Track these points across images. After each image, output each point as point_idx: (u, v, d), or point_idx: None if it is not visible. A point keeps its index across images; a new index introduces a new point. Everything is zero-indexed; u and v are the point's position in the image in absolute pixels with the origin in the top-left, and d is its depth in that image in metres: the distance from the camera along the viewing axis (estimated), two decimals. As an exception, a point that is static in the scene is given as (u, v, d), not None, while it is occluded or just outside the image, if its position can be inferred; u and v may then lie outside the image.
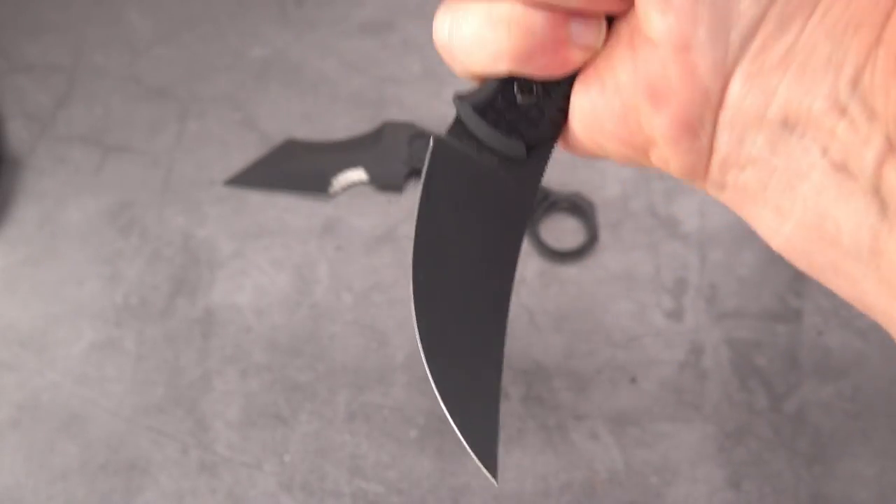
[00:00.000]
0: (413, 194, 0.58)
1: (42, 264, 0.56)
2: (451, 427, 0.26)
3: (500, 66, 0.24)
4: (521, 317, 0.54)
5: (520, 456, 0.51)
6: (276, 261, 0.56)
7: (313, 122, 0.61)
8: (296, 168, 0.59)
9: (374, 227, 0.57)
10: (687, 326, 0.54)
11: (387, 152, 0.58)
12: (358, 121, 0.61)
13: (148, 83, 0.62)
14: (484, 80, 0.26)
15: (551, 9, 0.23)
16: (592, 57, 0.24)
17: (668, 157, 0.23)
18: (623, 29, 0.23)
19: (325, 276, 0.56)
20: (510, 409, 0.52)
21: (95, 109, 0.61)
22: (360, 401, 0.52)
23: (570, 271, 0.56)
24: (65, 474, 0.50)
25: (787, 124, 0.20)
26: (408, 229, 0.57)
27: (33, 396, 0.52)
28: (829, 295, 0.54)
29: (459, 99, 0.26)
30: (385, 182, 0.58)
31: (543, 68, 0.24)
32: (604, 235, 0.56)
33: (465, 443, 0.26)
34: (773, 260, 0.55)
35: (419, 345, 0.26)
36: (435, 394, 0.25)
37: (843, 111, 0.19)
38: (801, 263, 0.22)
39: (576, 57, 0.23)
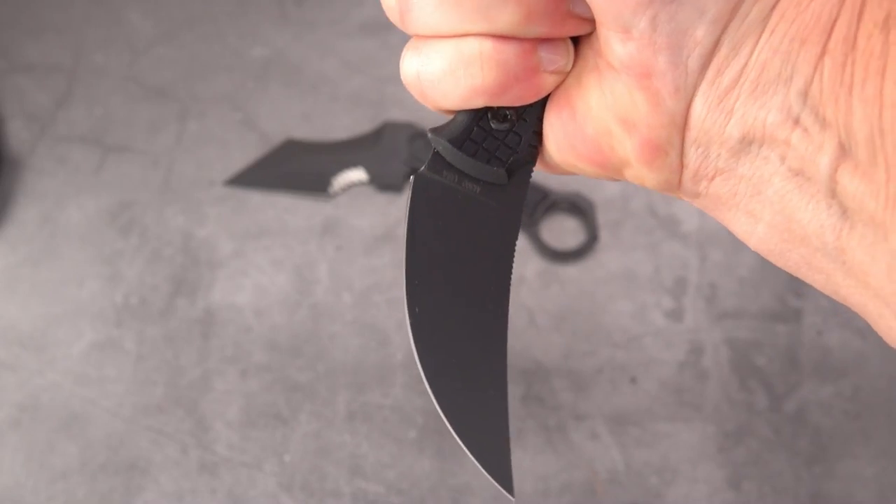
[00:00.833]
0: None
1: (42, 264, 0.56)
2: (467, 455, 0.26)
3: (476, 101, 0.24)
4: (521, 317, 0.54)
5: (520, 456, 0.51)
6: (276, 261, 0.56)
7: (313, 122, 0.61)
8: (296, 168, 0.59)
9: (374, 227, 0.57)
10: (687, 326, 0.54)
11: (387, 152, 0.58)
12: (358, 121, 0.61)
13: (148, 83, 0.62)
14: (456, 112, 0.26)
15: (519, 39, 0.23)
16: (562, 79, 0.24)
17: (642, 175, 0.24)
18: (588, 53, 0.24)
19: (325, 276, 0.56)
20: (510, 410, 0.52)
21: (95, 109, 0.61)
22: (360, 401, 0.52)
23: (570, 271, 0.56)
24: (65, 474, 0.50)
25: (746, 138, 0.22)
26: (408, 229, 0.57)
27: (33, 396, 0.52)
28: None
29: (435, 133, 0.27)
30: (385, 182, 0.58)
31: (518, 98, 0.24)
32: (604, 235, 0.56)
33: (479, 465, 0.27)
34: (773, 260, 0.55)
35: (424, 380, 0.26)
36: (447, 426, 0.26)
37: (795, 121, 0.21)
38: (778, 261, 0.24)
39: (548, 82, 0.24)
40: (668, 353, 0.53)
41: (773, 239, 0.23)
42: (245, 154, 0.59)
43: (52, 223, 0.57)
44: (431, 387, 0.26)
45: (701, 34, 0.21)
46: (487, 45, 0.23)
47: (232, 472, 0.50)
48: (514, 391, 0.52)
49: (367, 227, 0.57)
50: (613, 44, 0.22)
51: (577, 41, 0.24)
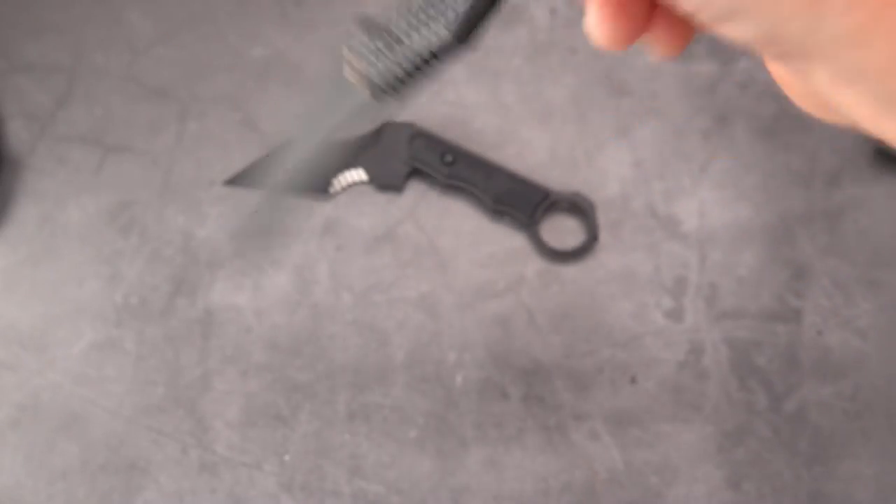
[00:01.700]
0: (413, 194, 0.58)
1: (42, 264, 0.56)
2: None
3: None
4: (521, 317, 0.54)
5: (520, 456, 0.51)
6: (276, 261, 0.56)
7: (313, 122, 0.61)
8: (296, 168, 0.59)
9: (374, 227, 0.57)
10: (687, 326, 0.54)
11: (387, 152, 0.58)
12: (358, 121, 0.61)
13: (148, 83, 0.62)
14: None
15: None
16: None
17: None
18: None
19: (325, 276, 0.56)
20: (510, 409, 0.52)
21: (95, 109, 0.61)
22: (360, 401, 0.52)
23: (570, 271, 0.56)
24: (65, 474, 0.50)
25: None
26: (408, 229, 0.57)
27: (33, 396, 0.52)
28: (829, 295, 0.54)
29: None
30: (385, 182, 0.58)
31: None
32: (604, 235, 0.56)
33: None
34: (773, 260, 0.55)
35: None
36: None
37: None
38: None
39: None
40: (668, 352, 0.53)
41: None
42: (245, 154, 0.59)
43: (52, 223, 0.57)
44: None
45: None
46: None
47: (232, 472, 0.50)
48: (514, 391, 0.52)
49: (367, 227, 0.57)
50: None
51: None
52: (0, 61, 0.63)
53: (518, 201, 0.56)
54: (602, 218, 0.57)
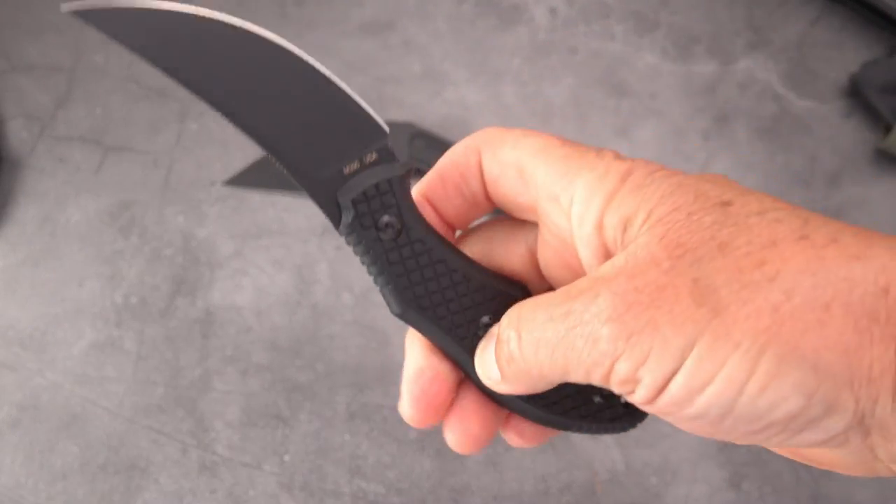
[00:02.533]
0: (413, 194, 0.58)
1: (42, 264, 0.56)
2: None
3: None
4: (521, 317, 0.54)
5: (520, 456, 0.51)
6: (276, 261, 0.56)
7: (313, 122, 0.61)
8: (296, 168, 0.59)
9: (374, 227, 0.57)
10: (687, 326, 0.54)
11: (387, 152, 0.58)
12: (358, 121, 0.61)
13: (148, 83, 0.62)
14: None
15: None
16: None
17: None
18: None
19: (325, 276, 0.56)
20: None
21: (95, 109, 0.61)
22: (360, 401, 0.52)
23: (570, 271, 0.56)
24: (65, 474, 0.50)
25: None
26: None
27: (33, 396, 0.52)
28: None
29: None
30: (385, 182, 0.58)
31: None
32: (604, 235, 0.56)
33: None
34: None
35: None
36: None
37: None
38: None
39: None
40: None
41: None
42: (245, 154, 0.59)
43: (52, 223, 0.57)
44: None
45: None
46: None
47: (232, 472, 0.50)
48: (514, 391, 0.52)
49: (367, 227, 0.57)
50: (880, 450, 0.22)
51: None
52: (0, 61, 0.63)
53: (518, 201, 0.56)
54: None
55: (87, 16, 0.22)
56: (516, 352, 0.25)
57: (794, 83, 0.60)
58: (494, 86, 0.61)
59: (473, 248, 0.29)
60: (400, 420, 0.52)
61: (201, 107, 0.63)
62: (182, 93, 0.62)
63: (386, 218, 0.27)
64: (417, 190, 0.29)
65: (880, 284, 0.20)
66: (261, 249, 0.57)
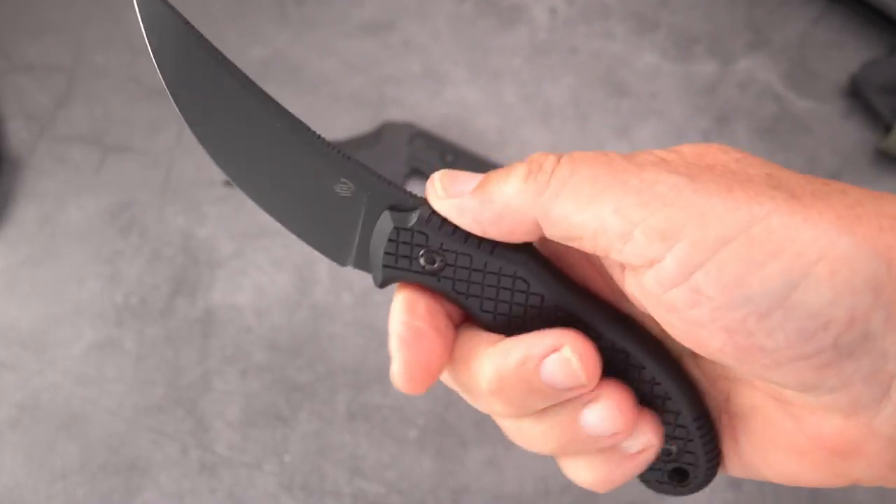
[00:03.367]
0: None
1: (42, 264, 0.56)
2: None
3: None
4: (521, 317, 0.54)
5: (520, 456, 0.51)
6: (276, 261, 0.56)
7: (313, 122, 0.61)
8: (296, 168, 0.59)
9: (374, 227, 0.57)
10: (687, 326, 0.54)
11: (387, 152, 0.58)
12: (358, 121, 0.61)
13: (148, 83, 0.62)
14: None
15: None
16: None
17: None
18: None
19: (325, 276, 0.56)
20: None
21: (95, 109, 0.61)
22: (360, 401, 0.52)
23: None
24: (65, 474, 0.50)
25: None
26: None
27: (33, 396, 0.52)
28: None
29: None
30: (385, 182, 0.58)
31: None
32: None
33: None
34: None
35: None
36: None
37: None
38: None
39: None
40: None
41: None
42: (245, 154, 0.59)
43: (52, 223, 0.57)
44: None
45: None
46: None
47: (232, 472, 0.50)
48: (514, 391, 0.52)
49: (367, 227, 0.57)
50: (812, 421, 0.21)
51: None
52: (0, 61, 0.63)
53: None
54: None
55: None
56: (548, 168, 0.22)
57: (794, 83, 0.60)
58: (494, 86, 0.61)
59: None
60: (400, 420, 0.52)
61: (201, 107, 0.63)
62: (182, 93, 0.62)
63: (423, 254, 0.26)
64: None
65: None
66: (261, 249, 0.57)
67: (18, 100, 0.61)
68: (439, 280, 0.25)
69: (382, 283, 0.27)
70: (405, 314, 0.25)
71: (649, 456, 0.24)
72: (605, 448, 0.24)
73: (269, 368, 0.53)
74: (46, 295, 0.55)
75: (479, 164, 0.57)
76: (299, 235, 0.27)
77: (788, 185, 0.20)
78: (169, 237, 0.57)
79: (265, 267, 0.56)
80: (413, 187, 0.58)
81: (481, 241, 0.25)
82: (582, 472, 0.25)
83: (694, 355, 0.25)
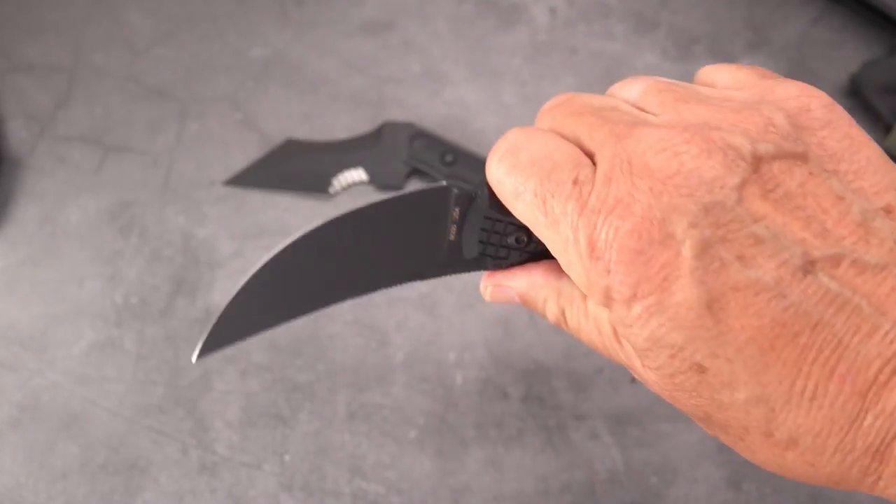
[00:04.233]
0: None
1: (42, 264, 0.56)
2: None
3: None
4: (521, 317, 0.54)
5: (520, 456, 0.51)
6: (276, 261, 0.56)
7: (313, 122, 0.61)
8: (296, 168, 0.59)
9: (374, 227, 0.57)
10: (687, 326, 0.54)
11: (387, 152, 0.58)
12: (358, 121, 0.61)
13: (148, 83, 0.62)
14: None
15: None
16: None
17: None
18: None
19: (325, 276, 0.56)
20: (510, 409, 0.52)
21: (95, 109, 0.61)
22: (360, 401, 0.52)
23: (570, 271, 0.56)
24: (65, 474, 0.50)
25: None
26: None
27: (33, 396, 0.52)
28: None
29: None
30: (385, 182, 0.58)
31: None
32: (604, 235, 0.56)
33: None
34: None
35: None
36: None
37: None
38: None
39: None
40: (668, 353, 0.53)
41: None
42: (245, 154, 0.59)
43: (52, 223, 0.57)
44: None
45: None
46: None
47: (232, 472, 0.50)
48: (514, 391, 0.52)
49: (367, 227, 0.57)
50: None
51: None
52: (0, 61, 0.63)
53: (518, 201, 0.56)
54: (602, 218, 0.57)
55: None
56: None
57: (794, 83, 0.60)
58: (494, 86, 0.61)
59: None
60: (400, 420, 0.52)
61: (201, 107, 0.63)
62: (182, 93, 0.62)
63: (510, 239, 0.28)
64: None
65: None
66: (261, 249, 0.56)
67: (18, 100, 0.61)
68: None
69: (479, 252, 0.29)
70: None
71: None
72: None
73: (269, 368, 0.53)
74: (46, 295, 0.55)
75: (479, 164, 0.57)
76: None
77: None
78: (169, 237, 0.57)
79: (265, 267, 0.56)
80: (413, 187, 0.58)
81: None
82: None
83: None
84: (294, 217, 0.58)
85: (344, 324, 0.54)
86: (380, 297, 0.55)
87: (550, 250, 0.26)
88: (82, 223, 0.57)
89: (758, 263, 0.21)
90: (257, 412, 0.52)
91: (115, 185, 0.59)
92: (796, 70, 0.61)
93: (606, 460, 0.51)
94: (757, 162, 0.22)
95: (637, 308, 0.22)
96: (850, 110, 0.60)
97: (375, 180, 0.58)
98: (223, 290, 0.55)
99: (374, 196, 0.58)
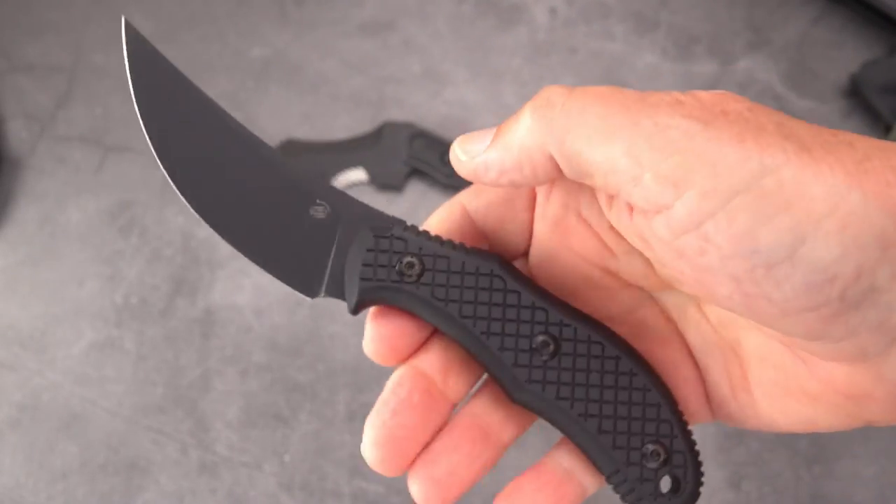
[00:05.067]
0: (413, 194, 0.58)
1: (42, 264, 0.56)
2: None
3: None
4: (521, 317, 0.54)
5: (520, 456, 0.51)
6: (276, 261, 0.56)
7: (313, 122, 0.61)
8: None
9: (374, 227, 0.57)
10: (687, 326, 0.54)
11: (387, 152, 0.58)
12: (358, 121, 0.61)
13: (148, 83, 0.62)
14: None
15: None
16: None
17: None
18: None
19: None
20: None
21: (95, 109, 0.61)
22: (360, 401, 0.52)
23: (570, 271, 0.56)
24: (65, 474, 0.50)
25: None
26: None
27: (33, 396, 0.52)
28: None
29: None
30: (385, 182, 0.58)
31: None
32: (604, 235, 0.56)
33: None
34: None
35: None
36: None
37: None
38: None
39: None
40: (668, 353, 0.53)
41: None
42: (245, 154, 0.59)
43: (52, 223, 0.57)
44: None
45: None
46: None
47: (232, 472, 0.50)
48: (514, 391, 0.52)
49: (367, 227, 0.57)
50: (825, 369, 0.22)
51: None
52: (0, 61, 0.63)
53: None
54: (602, 218, 0.57)
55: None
56: (558, 102, 0.22)
57: (794, 83, 0.60)
58: (494, 86, 0.61)
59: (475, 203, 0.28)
60: (400, 420, 0.52)
61: (201, 107, 0.63)
62: (182, 93, 0.62)
63: (406, 260, 0.27)
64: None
65: None
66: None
67: (18, 100, 0.61)
68: (418, 287, 0.26)
69: (358, 304, 0.28)
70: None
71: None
72: None
73: (269, 368, 0.53)
74: (46, 295, 0.55)
75: (479, 164, 0.57)
76: (267, 268, 0.27)
77: (799, 135, 0.20)
78: (169, 237, 0.57)
79: (265, 267, 0.56)
80: (413, 187, 0.58)
81: (456, 244, 0.26)
82: None
83: (701, 302, 0.26)
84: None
85: (344, 324, 0.54)
86: (380, 297, 0.55)
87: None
88: (82, 223, 0.57)
89: None
90: (257, 412, 0.52)
91: (115, 185, 0.59)
92: (796, 70, 0.61)
93: (606, 460, 0.51)
94: None
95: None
96: (850, 110, 0.60)
97: (375, 180, 0.58)
98: (223, 290, 0.55)
99: (375, 196, 0.58)
